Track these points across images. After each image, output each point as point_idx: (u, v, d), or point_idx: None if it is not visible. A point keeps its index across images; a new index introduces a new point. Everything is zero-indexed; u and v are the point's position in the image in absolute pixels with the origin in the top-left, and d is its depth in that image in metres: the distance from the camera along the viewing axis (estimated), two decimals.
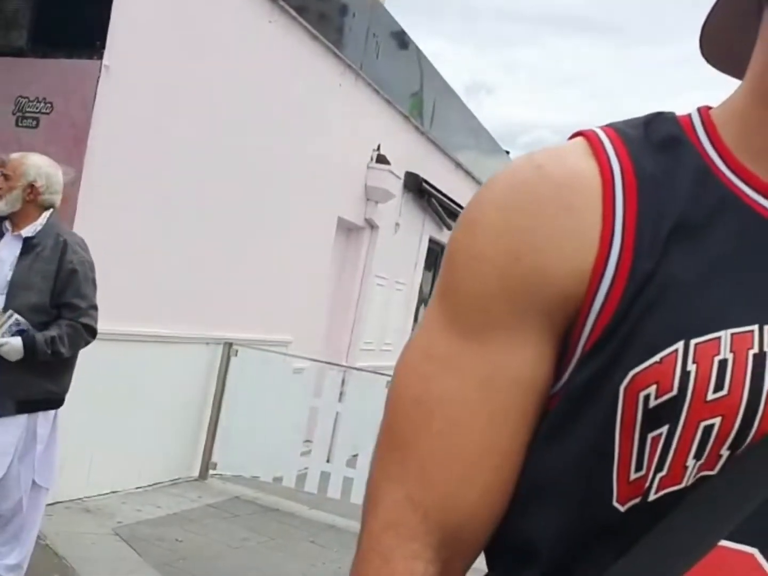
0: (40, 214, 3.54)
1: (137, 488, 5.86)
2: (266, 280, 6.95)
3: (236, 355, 6.56)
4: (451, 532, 0.77)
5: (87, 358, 5.19)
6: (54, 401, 3.57)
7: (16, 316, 3.37)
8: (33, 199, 3.53)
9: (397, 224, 9.38)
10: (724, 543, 0.70)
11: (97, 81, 4.96)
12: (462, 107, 11.52)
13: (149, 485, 5.99)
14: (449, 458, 0.77)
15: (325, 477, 6.43)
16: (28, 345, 3.34)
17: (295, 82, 6.89)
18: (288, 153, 6.93)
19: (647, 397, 0.71)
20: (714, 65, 0.90)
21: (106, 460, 5.54)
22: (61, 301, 3.45)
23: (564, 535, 0.75)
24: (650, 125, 0.81)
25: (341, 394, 6.83)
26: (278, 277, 7.12)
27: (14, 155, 3.71)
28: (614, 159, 0.77)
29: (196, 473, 6.53)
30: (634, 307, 0.73)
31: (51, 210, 3.58)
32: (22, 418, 3.45)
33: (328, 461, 6.65)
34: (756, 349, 0.71)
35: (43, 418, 3.53)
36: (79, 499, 5.35)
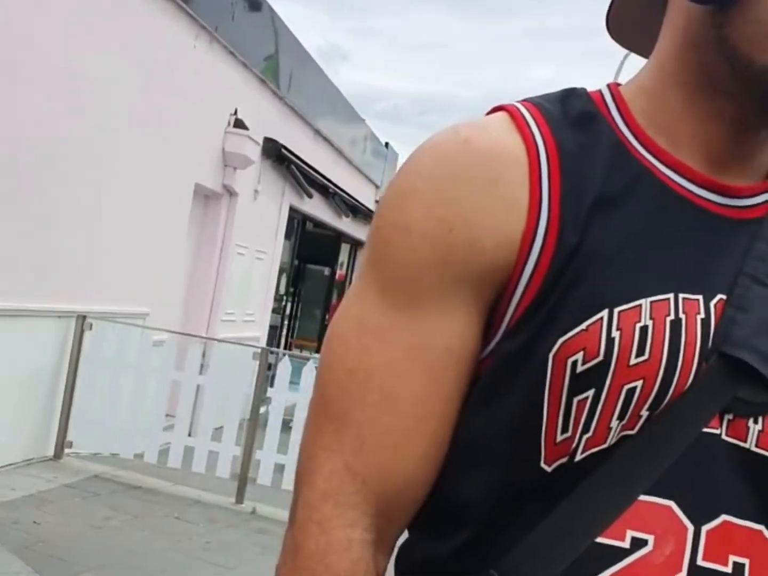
0: None
1: None
2: (121, 248, 6.69)
3: (90, 328, 6.30)
4: (389, 499, 0.79)
5: None
6: None
7: None
8: None
9: (257, 191, 9.22)
10: (643, 497, 0.75)
11: None
12: (320, 73, 11.41)
13: (2, 466, 5.71)
14: (385, 427, 0.78)
15: (188, 452, 6.31)
16: None
17: (147, 43, 6.63)
18: (142, 116, 6.67)
19: (575, 363, 0.75)
20: (620, 43, 0.94)
21: None
22: None
23: (493, 495, 0.79)
24: (566, 101, 0.84)
25: (203, 366, 6.70)
26: (134, 246, 6.88)
27: None
28: (537, 133, 0.80)
29: (50, 452, 6.28)
30: (561, 278, 0.76)
31: None
32: None
33: (190, 435, 6.52)
34: (672, 316, 0.75)
35: None
36: None
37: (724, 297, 0.77)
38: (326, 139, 11.76)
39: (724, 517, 0.75)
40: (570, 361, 0.75)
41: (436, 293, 0.78)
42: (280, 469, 6.11)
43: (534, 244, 0.77)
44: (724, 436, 0.75)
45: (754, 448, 0.76)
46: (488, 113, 0.85)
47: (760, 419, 0.76)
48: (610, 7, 0.90)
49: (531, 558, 0.75)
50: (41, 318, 5.98)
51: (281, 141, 9.34)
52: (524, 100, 0.84)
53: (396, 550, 0.84)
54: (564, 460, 0.76)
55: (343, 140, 12.56)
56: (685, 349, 0.75)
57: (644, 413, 0.75)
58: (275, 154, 9.34)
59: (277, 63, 9.56)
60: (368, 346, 0.79)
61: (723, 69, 0.78)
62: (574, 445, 0.76)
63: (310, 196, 10.85)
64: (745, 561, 0.75)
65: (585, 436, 0.75)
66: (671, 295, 0.76)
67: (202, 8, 7.42)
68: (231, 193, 8.67)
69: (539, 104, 0.83)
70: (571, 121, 0.82)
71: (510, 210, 0.77)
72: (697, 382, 0.75)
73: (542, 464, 0.77)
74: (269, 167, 9.50)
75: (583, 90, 0.86)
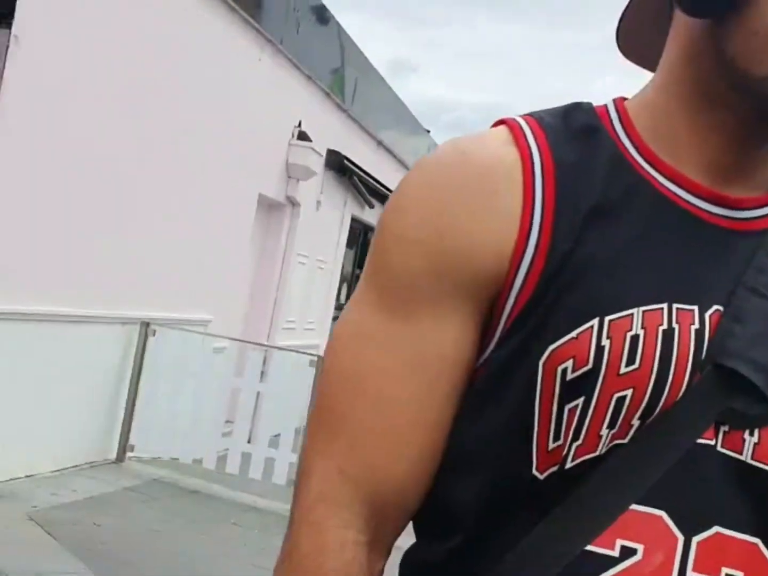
0: None
1: (52, 472, 5.72)
2: (186, 257, 6.82)
3: (154, 334, 6.43)
4: (381, 502, 0.80)
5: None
6: None
7: None
8: None
9: (319, 202, 9.31)
10: (634, 507, 0.75)
11: (6, 50, 4.79)
12: (384, 86, 11.48)
13: (65, 468, 5.85)
14: (378, 432, 0.80)
15: (246, 458, 6.38)
16: None
17: (213, 56, 6.76)
18: (208, 129, 6.80)
19: (564, 371, 0.75)
20: (628, 57, 0.95)
21: (19, 443, 5.39)
22: None
23: (486, 502, 0.80)
24: (569, 115, 0.85)
25: (262, 373, 6.77)
26: (198, 255, 7.01)
27: None
28: (534, 146, 0.81)
29: (113, 456, 6.41)
30: (552, 286, 0.77)
31: None
32: None
33: (249, 442, 6.60)
34: (665, 326, 0.76)
35: None
36: None
37: (720, 308, 0.77)
38: (389, 150, 11.82)
39: (716, 529, 0.75)
40: (560, 368, 0.75)
41: (430, 300, 0.80)
42: None
43: (526, 253, 0.78)
44: (719, 448, 0.75)
45: (750, 461, 0.75)
46: (492, 126, 0.87)
47: (756, 431, 0.75)
48: (620, 22, 0.91)
49: (522, 564, 0.76)
50: (106, 324, 6.13)
51: (344, 152, 9.43)
52: (527, 114, 0.86)
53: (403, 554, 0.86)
54: (555, 468, 0.77)
55: (405, 151, 12.61)
56: (678, 358, 0.75)
57: (635, 422, 0.75)
58: (338, 165, 9.42)
59: (342, 76, 9.66)
60: (363, 352, 0.81)
61: (722, 81, 0.79)
62: (564, 452, 0.76)
63: (371, 206, 10.91)
64: (739, 574, 0.75)
65: (575, 444, 0.76)
66: (665, 305, 0.76)
67: (267, 22, 7.55)
68: (293, 203, 8.77)
69: (540, 118, 0.85)
70: (572, 134, 0.83)
71: (503, 219, 0.79)
72: (690, 392, 0.75)
73: (534, 471, 0.77)
74: (331, 178, 9.59)
75: (589, 104, 0.87)
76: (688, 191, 0.81)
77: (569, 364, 0.75)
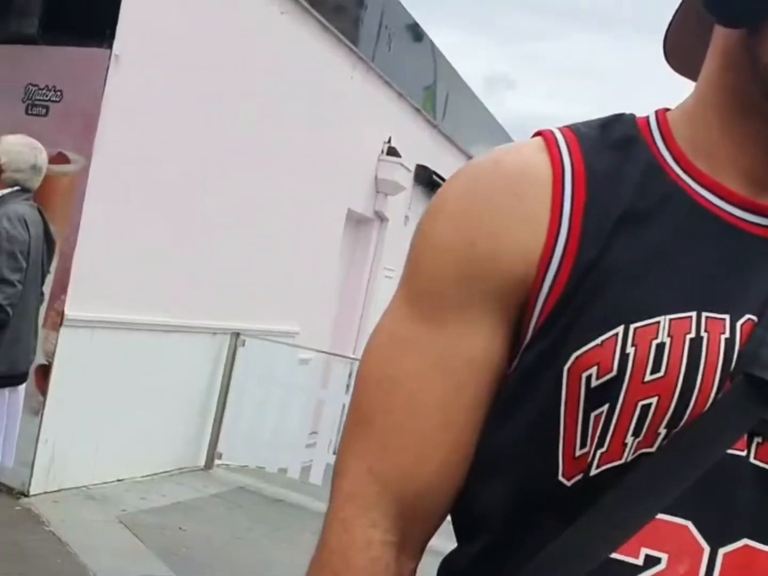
0: None
1: (143, 477, 5.88)
2: (275, 270, 6.95)
3: (243, 345, 6.57)
4: (409, 503, 0.82)
5: (94, 345, 5.24)
6: None
7: None
8: None
9: (407, 217, 9.36)
10: (661, 516, 0.74)
11: (107, 70, 4.97)
12: (475, 101, 11.49)
13: (155, 474, 6.01)
14: (407, 433, 0.82)
15: (330, 469, 6.41)
16: None
17: (306, 73, 6.88)
18: (298, 144, 6.93)
19: (589, 378, 0.76)
20: (675, 69, 0.96)
21: (113, 448, 5.57)
22: None
23: (512, 506, 0.80)
24: (608, 126, 0.87)
25: (348, 386, 6.82)
26: (287, 268, 7.13)
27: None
28: (566, 154, 0.83)
29: (201, 463, 6.55)
30: (578, 292, 0.78)
31: (14, 188, 3.55)
32: None
33: (333, 453, 6.65)
34: (693, 334, 0.75)
35: None
36: (85, 486, 5.38)
37: (754, 318, 0.76)
38: None
39: (745, 541, 0.74)
40: (584, 375, 0.76)
41: (459, 306, 0.81)
42: None
43: (553, 258, 0.79)
44: (751, 459, 0.74)
45: None
46: (531, 137, 0.88)
47: None
48: (667, 33, 0.92)
49: (547, 570, 0.76)
50: (198, 334, 6.29)
51: (433, 167, 9.46)
52: (564, 126, 0.87)
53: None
54: (581, 474, 0.77)
55: None
56: (705, 367, 0.74)
57: (662, 431, 0.75)
58: (427, 180, 9.46)
59: (434, 92, 9.71)
60: (395, 355, 0.83)
61: (757, 91, 0.79)
62: (589, 459, 0.76)
63: None
64: None
65: (599, 451, 0.76)
66: (693, 313, 0.76)
67: (360, 39, 7.66)
68: (382, 218, 8.84)
69: (576, 129, 0.86)
70: (609, 144, 0.84)
71: (532, 226, 0.80)
72: (719, 402, 0.74)
73: (560, 477, 0.78)
74: (420, 193, 9.63)
75: (631, 115, 0.88)
76: (724, 200, 0.81)
77: (593, 371, 0.75)
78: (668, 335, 0.75)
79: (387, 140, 8.52)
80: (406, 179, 8.75)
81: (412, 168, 8.98)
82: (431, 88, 9.65)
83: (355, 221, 8.59)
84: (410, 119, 9.13)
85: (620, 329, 0.75)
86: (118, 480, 5.66)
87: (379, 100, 8.25)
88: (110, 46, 4.97)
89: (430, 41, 9.30)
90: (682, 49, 0.93)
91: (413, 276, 0.85)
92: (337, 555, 0.81)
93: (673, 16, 0.91)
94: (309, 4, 6.69)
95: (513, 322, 0.81)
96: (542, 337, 0.79)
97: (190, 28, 5.53)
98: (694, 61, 0.89)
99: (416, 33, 8.96)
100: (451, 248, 0.82)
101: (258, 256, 6.68)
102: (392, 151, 8.47)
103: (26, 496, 4.97)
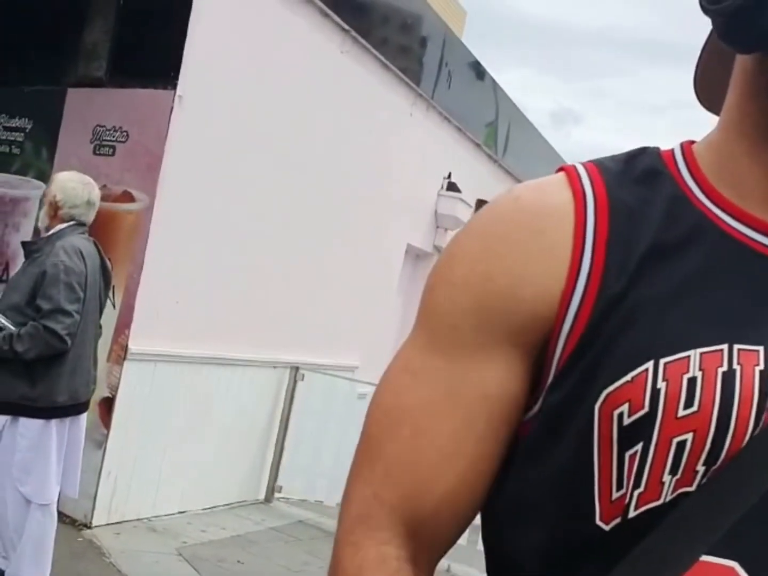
0: None
1: (203, 509, 5.95)
2: (335, 304, 7.01)
3: (303, 379, 6.62)
4: (416, 527, 0.81)
5: (157, 379, 5.35)
6: (31, 409, 3.52)
7: None
8: (55, 215, 3.66)
9: None
10: (705, 558, 0.71)
11: (171, 110, 5.12)
12: (537, 135, 11.49)
13: (215, 507, 6.07)
14: (413, 462, 0.81)
15: None
16: None
17: (366, 111, 6.98)
18: (358, 180, 7.01)
19: (621, 415, 0.73)
20: (705, 106, 0.95)
21: (174, 480, 5.65)
22: (34, 303, 3.49)
23: (547, 552, 0.78)
24: (633, 159, 0.86)
25: None
26: (346, 302, 7.18)
27: (54, 174, 3.89)
28: (589, 189, 0.82)
29: (261, 496, 6.60)
30: (603, 327, 0.76)
31: (70, 222, 3.67)
32: (1, 420, 3.50)
33: None
34: (725, 368, 0.73)
35: (24, 426, 3.52)
36: (147, 518, 5.47)
37: None
38: None
39: None
40: (616, 413, 0.73)
41: (476, 341, 0.80)
42: (476, 529, 6.08)
43: (575, 293, 0.77)
44: None
45: None
46: (555, 173, 0.88)
47: None
48: (696, 74, 0.92)
49: None
50: (258, 368, 6.35)
51: None
52: (588, 161, 0.86)
53: None
54: (620, 518, 0.74)
55: None
56: (741, 401, 0.72)
57: (700, 468, 0.72)
58: None
59: (495, 129, 9.74)
60: (408, 385, 0.83)
61: None
62: (626, 501, 0.74)
63: None
64: None
65: (637, 491, 0.73)
66: (725, 346, 0.73)
67: (419, 77, 7.74)
68: (441, 253, 8.85)
69: (600, 163, 0.85)
70: (633, 178, 0.83)
71: (552, 260, 0.79)
72: (759, 436, 0.71)
73: (598, 522, 0.75)
74: None
75: (656, 149, 0.87)
76: (753, 228, 0.79)
77: (625, 408, 0.73)
78: (699, 369, 0.73)
79: (447, 175, 8.57)
80: (466, 214, 8.76)
81: (473, 203, 8.99)
82: (493, 125, 9.69)
83: (415, 256, 8.63)
84: (471, 154, 9.17)
85: (650, 364, 0.73)
86: (180, 512, 5.75)
87: (439, 136, 8.31)
88: (174, 88, 5.12)
89: (492, 79, 9.35)
90: (710, 87, 0.92)
91: (429, 310, 0.85)
92: (349, 574, 0.80)
93: (700, 57, 0.91)
94: (368, 43, 6.79)
95: (532, 358, 0.80)
96: (568, 375, 0.77)
97: (251, 68, 5.66)
98: (722, 97, 0.88)
99: (478, 71, 9.02)
100: (469, 284, 0.81)
101: (318, 290, 6.75)
102: (452, 186, 8.52)
103: (89, 527, 5.07)
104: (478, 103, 9.17)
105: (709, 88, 0.92)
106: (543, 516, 0.78)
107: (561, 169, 0.86)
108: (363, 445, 0.86)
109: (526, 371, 0.80)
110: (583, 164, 0.85)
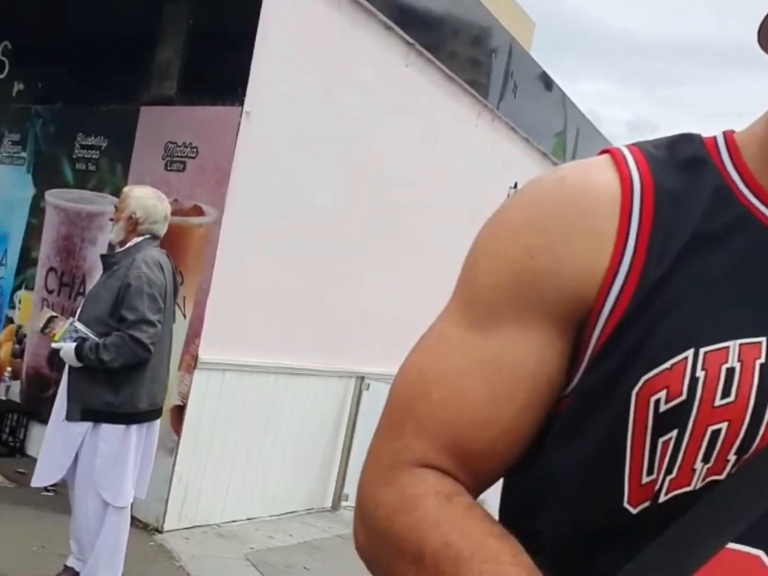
0: None
1: (271, 516, 6.04)
2: (400, 315, 7.06)
3: (368, 388, 6.69)
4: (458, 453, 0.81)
5: (226, 387, 5.47)
6: (114, 415, 3.64)
7: (76, 324, 3.64)
8: (133, 230, 3.79)
9: None
10: (731, 545, 0.72)
11: (238, 126, 5.24)
12: (607, 145, 11.38)
13: (283, 514, 6.15)
14: (446, 421, 0.80)
15: None
16: (77, 349, 3.56)
17: (431, 122, 7.03)
18: (425, 190, 7.06)
19: (657, 402, 0.74)
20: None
21: (243, 487, 5.75)
22: (117, 314, 3.63)
23: (571, 533, 0.78)
24: (676, 146, 0.85)
25: None
26: (411, 312, 7.21)
27: (125, 188, 4.03)
28: (635, 172, 0.81)
29: (329, 504, 6.66)
30: (643, 313, 0.76)
31: (146, 236, 3.80)
32: (84, 426, 3.62)
33: None
34: (763, 359, 0.73)
35: (106, 431, 3.64)
36: (216, 524, 5.58)
37: None
38: None
39: None
40: (653, 399, 0.73)
41: (513, 316, 0.80)
42: None
43: (617, 277, 0.77)
44: None
45: None
46: (598, 155, 0.87)
47: None
48: (762, 24, 0.86)
49: None
50: (325, 377, 6.43)
51: None
52: (631, 144, 0.85)
53: None
54: (648, 502, 0.74)
55: None
56: None
57: (731, 457, 0.73)
58: None
59: (564, 139, 9.71)
60: (443, 354, 0.82)
61: None
62: (657, 486, 0.74)
63: None
64: None
65: (668, 477, 0.74)
66: (764, 339, 0.74)
67: (485, 88, 7.77)
68: None
69: (645, 148, 0.84)
70: (677, 164, 0.82)
71: (596, 242, 0.78)
72: None
73: (626, 504, 0.75)
74: None
75: (699, 136, 0.87)
76: None
77: (662, 395, 0.73)
78: (738, 360, 0.73)
79: (513, 185, 8.57)
80: None
81: None
82: (561, 135, 9.66)
83: None
84: (536, 164, 9.14)
85: (690, 353, 0.73)
86: (248, 519, 5.83)
87: (505, 146, 8.31)
88: (241, 104, 5.25)
89: (560, 89, 9.33)
90: None
91: (468, 284, 0.85)
92: (411, 501, 0.78)
93: None
94: (432, 55, 6.85)
95: (569, 337, 0.80)
96: (605, 358, 0.77)
97: (316, 84, 5.77)
98: None
99: (546, 82, 9.02)
100: (509, 258, 0.81)
101: (384, 300, 6.81)
102: None
103: (160, 532, 5.20)
104: (546, 114, 9.15)
105: None
106: (570, 495, 0.78)
107: (605, 151, 0.86)
108: (391, 405, 0.85)
109: (563, 350, 0.80)
110: (628, 147, 0.84)
